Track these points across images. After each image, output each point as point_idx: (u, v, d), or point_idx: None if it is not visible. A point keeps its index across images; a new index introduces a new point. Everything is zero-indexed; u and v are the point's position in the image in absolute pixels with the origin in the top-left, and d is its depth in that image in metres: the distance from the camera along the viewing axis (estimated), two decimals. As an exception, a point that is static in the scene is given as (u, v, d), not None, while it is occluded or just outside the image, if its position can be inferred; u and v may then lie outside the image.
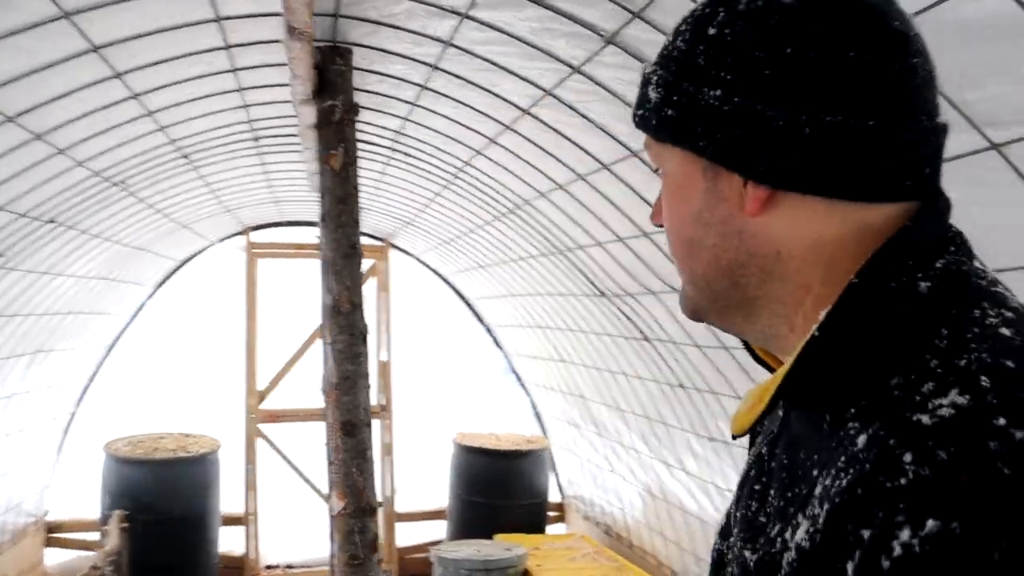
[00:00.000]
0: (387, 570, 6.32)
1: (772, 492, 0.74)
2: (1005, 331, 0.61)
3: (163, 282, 6.17)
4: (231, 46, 2.52)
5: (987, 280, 0.68)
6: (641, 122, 0.77)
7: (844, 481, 0.60)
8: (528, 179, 3.34)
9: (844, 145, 0.66)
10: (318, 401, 6.34)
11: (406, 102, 3.09)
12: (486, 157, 3.36)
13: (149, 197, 3.98)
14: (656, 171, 0.78)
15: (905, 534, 0.54)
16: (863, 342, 0.65)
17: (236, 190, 4.57)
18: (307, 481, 6.34)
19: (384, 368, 6.44)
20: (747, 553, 0.74)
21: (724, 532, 0.84)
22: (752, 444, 0.86)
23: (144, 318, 6.04)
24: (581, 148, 2.73)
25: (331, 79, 2.56)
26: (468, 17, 2.15)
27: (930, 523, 0.53)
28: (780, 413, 0.79)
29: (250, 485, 6.13)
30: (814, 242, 0.70)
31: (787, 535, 0.67)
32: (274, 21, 2.32)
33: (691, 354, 3.67)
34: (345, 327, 2.50)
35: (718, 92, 0.69)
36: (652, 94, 0.74)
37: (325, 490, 6.35)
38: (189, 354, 6.91)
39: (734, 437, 0.79)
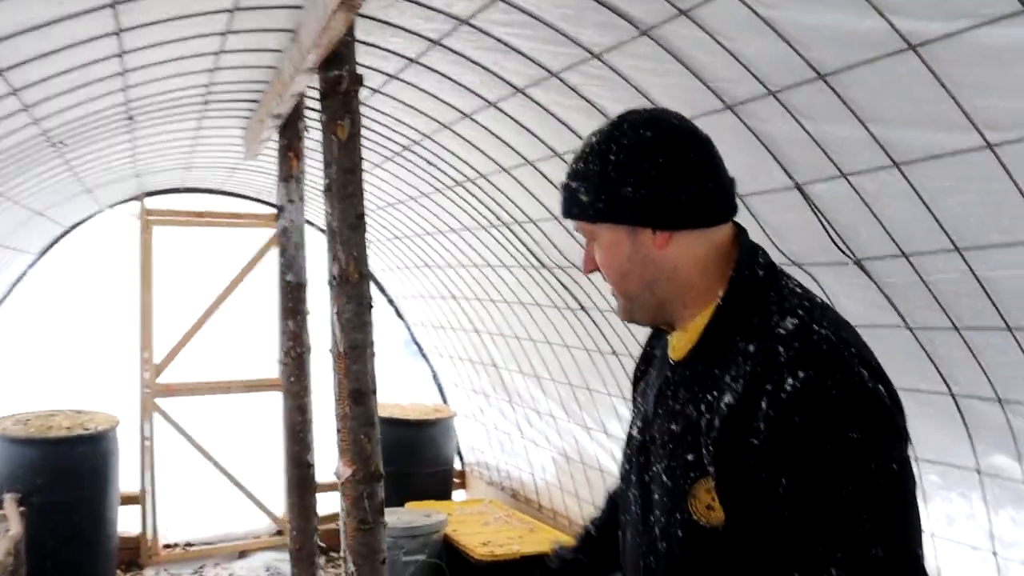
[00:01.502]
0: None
1: (680, 394, 1.29)
2: (798, 290, 1.27)
3: (47, 249, 5.75)
4: (238, 9, 2.47)
5: (778, 265, 1.31)
6: (579, 215, 1.31)
7: (749, 366, 1.18)
8: (493, 155, 3.45)
9: (699, 200, 1.25)
10: (219, 374, 6.15)
11: (385, 74, 3.11)
12: (452, 131, 3.44)
13: (75, 159, 3.75)
14: (591, 239, 1.34)
15: (789, 380, 1.14)
16: (741, 302, 1.26)
17: (158, 154, 4.36)
18: (208, 456, 6.15)
19: (288, 340, 6.33)
20: (672, 427, 1.29)
21: (643, 424, 1.38)
22: (639, 380, 1.51)
23: (26, 288, 5.61)
24: (568, 128, 2.89)
25: (338, 49, 2.56)
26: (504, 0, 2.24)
27: (800, 373, 1.13)
28: (671, 357, 1.35)
29: (146, 463, 5.87)
30: (693, 256, 1.28)
31: (701, 408, 1.23)
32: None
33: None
34: (353, 296, 2.53)
35: (629, 190, 1.24)
36: (584, 198, 1.29)
37: (228, 466, 6.18)
38: (78, 327, 6.45)
39: (675, 362, 1.33)
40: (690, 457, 1.23)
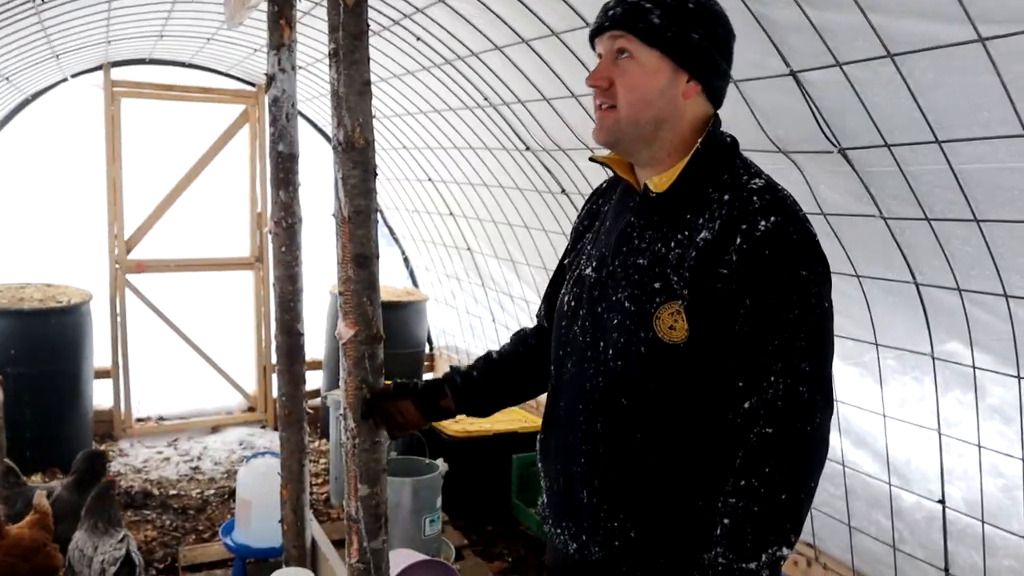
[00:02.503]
0: (262, 420, 6.43)
1: (647, 234, 1.53)
2: (752, 159, 1.57)
3: (8, 118, 5.57)
4: None
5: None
6: (643, 31, 1.49)
7: (725, 211, 1.45)
8: (487, 32, 3.43)
9: (725, 74, 1.57)
10: (190, 252, 6.15)
11: (382, -57, 3.04)
12: (447, 5, 3.40)
13: (51, 20, 3.62)
14: (621, 53, 1.52)
15: (762, 222, 1.43)
16: (714, 157, 1.53)
17: (134, 18, 4.22)
18: (179, 333, 6.22)
19: (259, 219, 6.32)
20: (639, 261, 1.52)
21: (599, 263, 1.60)
22: (583, 233, 1.74)
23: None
24: (572, 8, 2.89)
25: (342, -88, 2.50)
26: None
27: (772, 217, 1.43)
28: (632, 201, 1.59)
29: (117, 337, 5.92)
30: (697, 116, 1.55)
31: (671, 245, 1.48)
32: None
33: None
34: (359, 162, 2.55)
35: (697, 36, 1.50)
36: (654, 20, 1.48)
37: (198, 341, 6.25)
38: (45, 200, 6.32)
39: (656, 194, 1.54)
40: (657, 285, 1.49)
